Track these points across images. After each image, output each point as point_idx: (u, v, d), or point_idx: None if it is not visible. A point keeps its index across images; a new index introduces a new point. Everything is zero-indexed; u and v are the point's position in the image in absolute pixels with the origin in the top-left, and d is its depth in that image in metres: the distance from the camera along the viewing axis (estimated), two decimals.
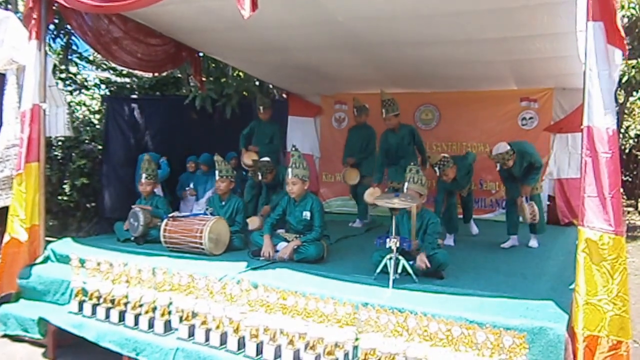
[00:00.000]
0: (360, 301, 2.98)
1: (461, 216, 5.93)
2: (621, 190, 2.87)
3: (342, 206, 7.73)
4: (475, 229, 5.83)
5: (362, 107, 6.19)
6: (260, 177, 5.60)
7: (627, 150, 12.89)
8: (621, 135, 11.91)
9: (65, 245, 4.44)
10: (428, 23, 4.37)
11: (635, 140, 12.59)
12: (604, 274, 2.69)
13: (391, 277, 3.33)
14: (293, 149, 4.37)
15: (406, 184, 3.85)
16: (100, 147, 7.30)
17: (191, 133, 7.25)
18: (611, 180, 2.72)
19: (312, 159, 7.66)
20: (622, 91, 9.82)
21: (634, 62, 8.04)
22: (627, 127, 12.48)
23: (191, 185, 6.74)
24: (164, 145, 6.66)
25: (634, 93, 10.05)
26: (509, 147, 4.72)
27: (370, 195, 5.53)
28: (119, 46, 4.93)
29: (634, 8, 7.81)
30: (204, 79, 7.15)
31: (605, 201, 2.71)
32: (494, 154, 4.79)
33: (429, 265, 3.52)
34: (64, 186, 7.18)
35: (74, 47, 7.78)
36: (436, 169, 5.05)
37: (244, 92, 7.57)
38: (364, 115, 6.19)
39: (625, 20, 8.43)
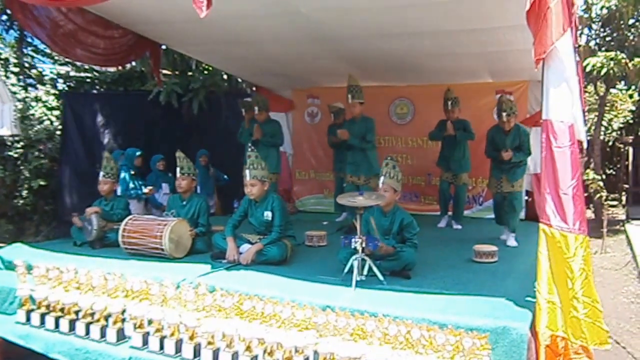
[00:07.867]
0: (321, 304, 2.86)
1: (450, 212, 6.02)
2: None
3: (316, 204, 7.62)
4: (457, 226, 5.88)
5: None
6: None
7: (610, 143, 12.85)
8: (604, 128, 11.74)
9: (14, 251, 4.20)
10: (394, 14, 4.24)
11: (619, 133, 12.54)
12: (562, 273, 2.57)
13: (354, 278, 3.21)
14: (250, 149, 4.18)
15: (382, 178, 3.73)
16: (58, 146, 6.96)
17: (157, 130, 7.01)
18: (568, 176, 2.59)
19: (285, 156, 7.47)
20: (603, 84, 9.78)
21: (612, 54, 7.97)
22: (610, 120, 12.38)
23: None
24: (127, 143, 6.38)
25: (616, 85, 10.05)
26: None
27: None
28: (74, 39, 4.68)
29: None
30: (168, 72, 6.89)
31: (561, 198, 2.60)
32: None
33: (389, 250, 3.51)
34: (20, 188, 6.82)
35: (29, 40, 7.38)
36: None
37: (211, 87, 7.31)
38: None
39: (605, 11, 8.41)
